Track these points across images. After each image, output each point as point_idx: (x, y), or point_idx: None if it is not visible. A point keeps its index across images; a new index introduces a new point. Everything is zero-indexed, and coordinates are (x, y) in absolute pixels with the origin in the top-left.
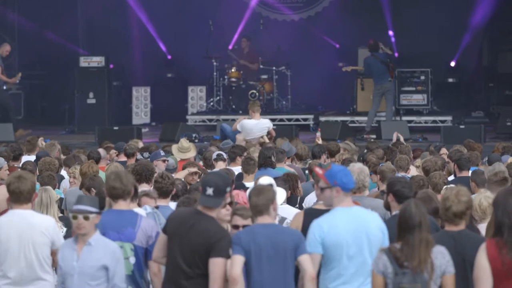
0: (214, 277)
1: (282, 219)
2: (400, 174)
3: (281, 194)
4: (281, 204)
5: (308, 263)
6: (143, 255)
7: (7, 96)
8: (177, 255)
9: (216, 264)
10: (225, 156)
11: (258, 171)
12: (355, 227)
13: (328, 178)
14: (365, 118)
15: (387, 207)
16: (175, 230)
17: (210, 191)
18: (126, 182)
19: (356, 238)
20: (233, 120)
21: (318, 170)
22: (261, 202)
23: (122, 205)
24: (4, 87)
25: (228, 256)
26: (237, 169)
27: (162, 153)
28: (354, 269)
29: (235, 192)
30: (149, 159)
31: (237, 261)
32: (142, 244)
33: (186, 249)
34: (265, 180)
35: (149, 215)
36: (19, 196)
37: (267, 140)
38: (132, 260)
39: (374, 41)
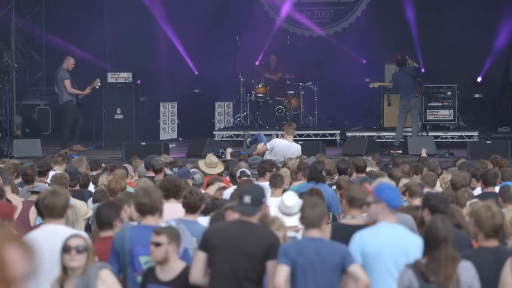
0: (272, 278)
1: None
2: (427, 190)
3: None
4: None
5: (359, 271)
6: None
7: (76, 110)
8: (229, 266)
9: (274, 266)
10: (248, 172)
11: (308, 183)
12: (397, 244)
13: (376, 193)
14: (391, 134)
15: (422, 222)
16: (222, 243)
17: (248, 199)
18: (155, 198)
19: (396, 255)
20: None
21: (368, 186)
22: (316, 215)
23: (150, 220)
24: (80, 99)
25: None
26: (266, 184)
27: (192, 171)
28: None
29: None
30: (177, 174)
31: (282, 271)
32: None
33: (241, 257)
34: (291, 196)
35: None
36: (53, 211)
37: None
38: None
39: (402, 55)
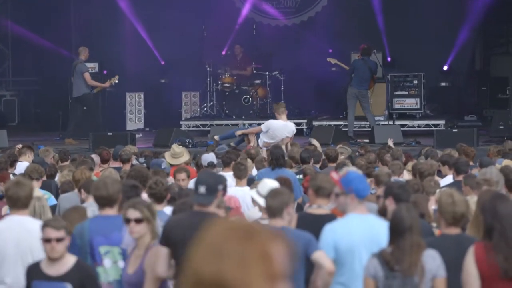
0: None
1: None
2: (393, 178)
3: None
4: None
5: (323, 258)
6: None
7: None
8: None
9: None
10: (215, 163)
11: (272, 171)
12: (369, 235)
13: (344, 185)
14: (358, 123)
15: (383, 211)
16: (182, 237)
17: (202, 189)
18: (112, 191)
19: (368, 246)
20: (227, 125)
21: (334, 175)
22: (276, 204)
23: (108, 211)
24: (93, 93)
25: None
26: (231, 174)
27: (164, 165)
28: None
29: (227, 197)
30: (144, 164)
31: None
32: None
33: None
34: (267, 184)
35: None
36: (17, 202)
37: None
38: (121, 264)
39: (368, 46)
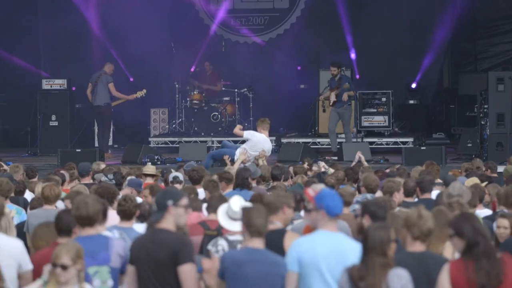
0: (187, 285)
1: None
2: (369, 195)
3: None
4: None
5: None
6: (118, 276)
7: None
8: (148, 277)
9: (186, 271)
10: (181, 178)
11: (233, 191)
12: (335, 253)
13: (316, 201)
14: (326, 140)
15: (361, 230)
16: (139, 255)
17: (155, 206)
18: (93, 211)
19: (333, 263)
20: (195, 142)
21: (310, 191)
22: (264, 223)
23: (89, 231)
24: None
25: (194, 261)
26: (200, 191)
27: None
28: None
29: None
30: (112, 181)
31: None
32: (117, 266)
33: (154, 268)
34: (237, 201)
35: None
36: None
37: (261, 163)
38: (110, 283)
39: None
